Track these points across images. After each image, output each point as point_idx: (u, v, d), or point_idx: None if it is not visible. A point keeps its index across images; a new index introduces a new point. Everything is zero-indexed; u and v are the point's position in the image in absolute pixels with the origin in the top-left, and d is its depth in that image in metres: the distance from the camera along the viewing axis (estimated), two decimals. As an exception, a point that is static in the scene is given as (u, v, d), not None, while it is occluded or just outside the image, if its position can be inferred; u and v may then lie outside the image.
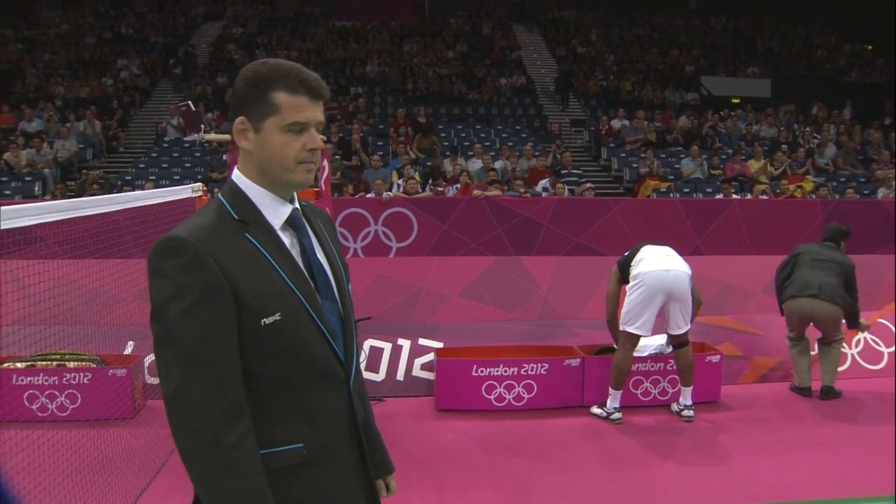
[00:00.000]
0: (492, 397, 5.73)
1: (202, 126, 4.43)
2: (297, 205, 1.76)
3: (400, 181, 11.11)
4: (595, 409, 5.64)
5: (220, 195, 1.72)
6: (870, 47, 25.11)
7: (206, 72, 19.92)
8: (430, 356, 6.14)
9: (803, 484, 4.46)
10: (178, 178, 13.25)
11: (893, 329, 6.87)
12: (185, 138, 13.51)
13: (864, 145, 16.30)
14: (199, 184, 3.53)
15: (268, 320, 1.60)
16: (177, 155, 15.03)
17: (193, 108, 4.61)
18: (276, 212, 1.70)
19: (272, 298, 1.61)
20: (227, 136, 5.77)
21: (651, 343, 6.03)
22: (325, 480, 1.70)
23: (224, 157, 12.93)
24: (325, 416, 1.70)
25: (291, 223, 1.73)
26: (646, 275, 5.40)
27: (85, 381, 5.37)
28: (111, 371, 5.42)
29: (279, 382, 1.64)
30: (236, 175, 1.72)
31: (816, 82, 21.82)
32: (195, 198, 3.49)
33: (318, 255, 1.77)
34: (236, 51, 20.85)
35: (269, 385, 1.63)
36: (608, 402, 5.56)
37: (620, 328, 5.54)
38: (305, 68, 1.70)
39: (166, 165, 14.48)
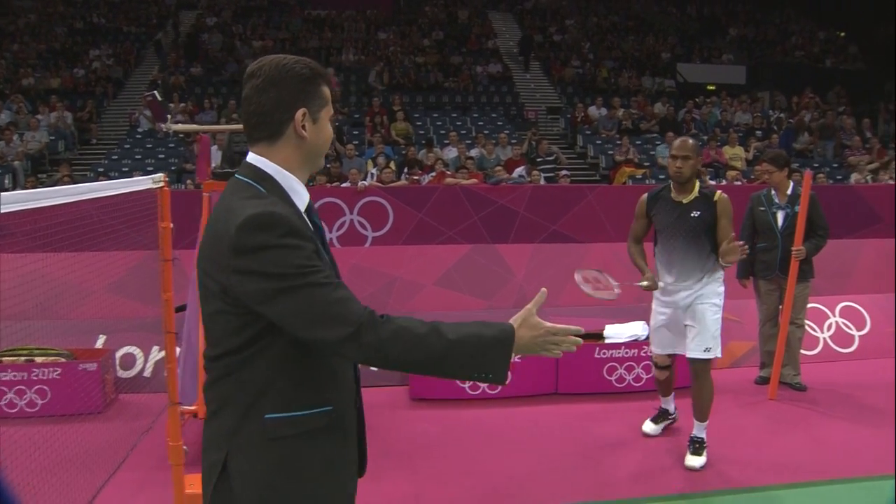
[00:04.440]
0: (466, 386, 5.73)
1: (168, 116, 4.35)
2: None
3: (374, 170, 11.04)
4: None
5: (247, 179, 1.76)
6: (842, 34, 25.29)
7: (181, 61, 19.67)
8: (405, 346, 6.11)
9: (777, 468, 4.51)
10: (151, 169, 13.08)
11: (865, 313, 6.95)
12: (155, 129, 13.36)
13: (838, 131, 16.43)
14: (161, 174, 3.47)
15: None
16: (150, 146, 14.85)
17: (160, 98, 4.52)
18: (301, 197, 1.82)
19: (329, 271, 1.74)
20: (193, 126, 5.70)
21: (625, 331, 6.04)
22: (345, 443, 1.84)
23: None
24: (344, 383, 1.85)
25: (307, 207, 1.85)
26: None
27: (54, 377, 5.30)
28: (81, 365, 5.35)
29: (315, 349, 1.72)
30: (259, 160, 1.78)
31: (790, 69, 21.94)
32: (156, 188, 3.43)
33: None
34: (211, 41, 20.61)
35: (307, 351, 1.71)
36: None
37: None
38: None
39: (139, 157, 14.30)
